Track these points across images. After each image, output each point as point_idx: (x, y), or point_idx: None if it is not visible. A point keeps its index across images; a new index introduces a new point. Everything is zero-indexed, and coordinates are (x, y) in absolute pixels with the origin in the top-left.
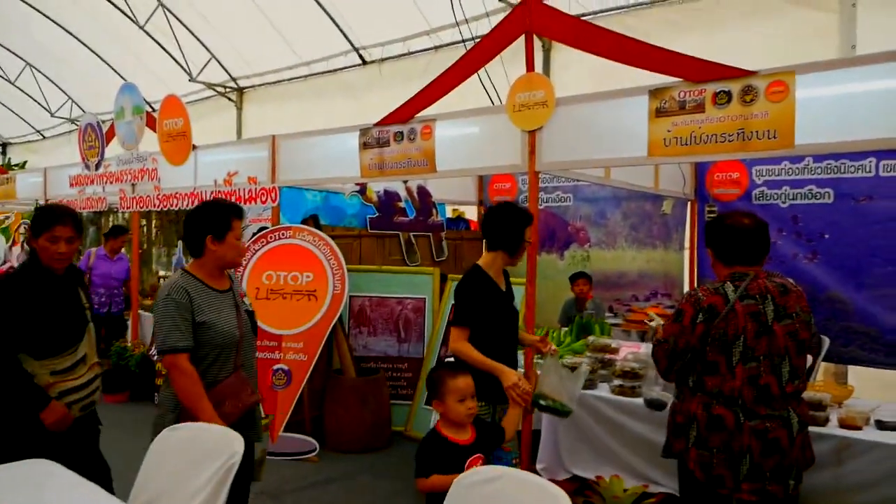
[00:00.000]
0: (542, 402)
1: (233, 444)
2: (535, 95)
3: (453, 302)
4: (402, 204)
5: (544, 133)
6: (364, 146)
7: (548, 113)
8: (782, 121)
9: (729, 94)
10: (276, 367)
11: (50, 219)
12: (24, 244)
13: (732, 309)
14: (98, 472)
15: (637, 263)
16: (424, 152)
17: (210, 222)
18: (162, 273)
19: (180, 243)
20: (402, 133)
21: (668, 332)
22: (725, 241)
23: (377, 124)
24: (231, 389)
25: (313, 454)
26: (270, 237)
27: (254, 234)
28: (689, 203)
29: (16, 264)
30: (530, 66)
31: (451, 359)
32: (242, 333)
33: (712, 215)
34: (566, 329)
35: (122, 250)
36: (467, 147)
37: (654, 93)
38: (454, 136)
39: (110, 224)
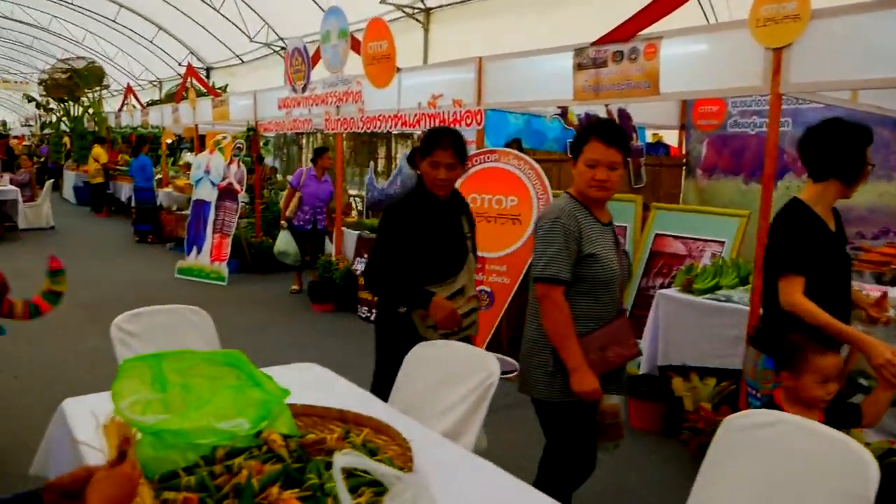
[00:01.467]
0: None
1: (488, 364)
2: (784, 8)
3: (771, 246)
4: None
5: (793, 50)
6: (578, 67)
7: (800, 27)
8: None
9: None
10: (479, 288)
11: (431, 143)
12: (240, 162)
13: None
14: None
15: (867, 197)
16: (647, 73)
17: None
18: (353, 192)
19: (371, 164)
20: (621, 53)
21: None
22: None
23: (594, 43)
24: (619, 334)
25: (513, 374)
26: (476, 160)
27: (409, 156)
28: None
29: (234, 182)
30: None
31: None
32: (622, 273)
33: None
34: None
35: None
36: (696, 67)
37: None
38: (681, 55)
39: (310, 145)
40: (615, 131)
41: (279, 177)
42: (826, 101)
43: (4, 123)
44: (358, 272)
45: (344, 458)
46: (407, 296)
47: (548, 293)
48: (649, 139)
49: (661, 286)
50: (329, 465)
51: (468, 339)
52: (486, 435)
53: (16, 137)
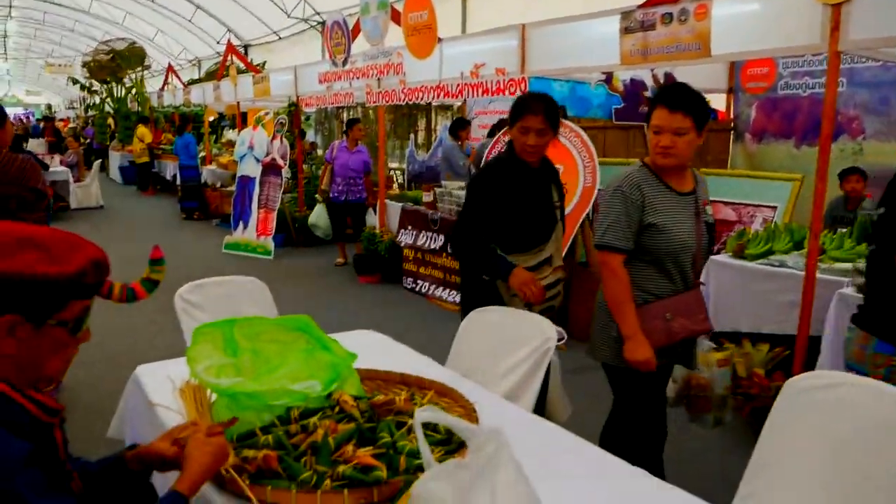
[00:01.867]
0: None
1: (544, 329)
2: None
3: (887, 215)
4: (648, 93)
5: (852, 6)
6: (625, 31)
7: None
8: None
9: None
10: None
11: (521, 108)
12: (283, 137)
13: None
14: None
15: None
16: (697, 35)
17: None
18: (394, 165)
19: (412, 136)
20: (670, 14)
21: None
22: None
23: (642, 6)
24: (687, 306)
25: (562, 342)
26: None
27: (493, 127)
28: None
29: (277, 157)
30: None
31: None
32: (700, 246)
33: None
34: (841, 232)
35: (359, 144)
36: (748, 27)
37: None
38: (733, 15)
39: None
40: (682, 96)
41: (319, 152)
42: (887, 58)
43: (50, 107)
44: (402, 244)
45: (425, 414)
46: (489, 265)
47: (606, 260)
48: None
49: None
50: (400, 425)
51: (551, 310)
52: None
53: (61, 120)
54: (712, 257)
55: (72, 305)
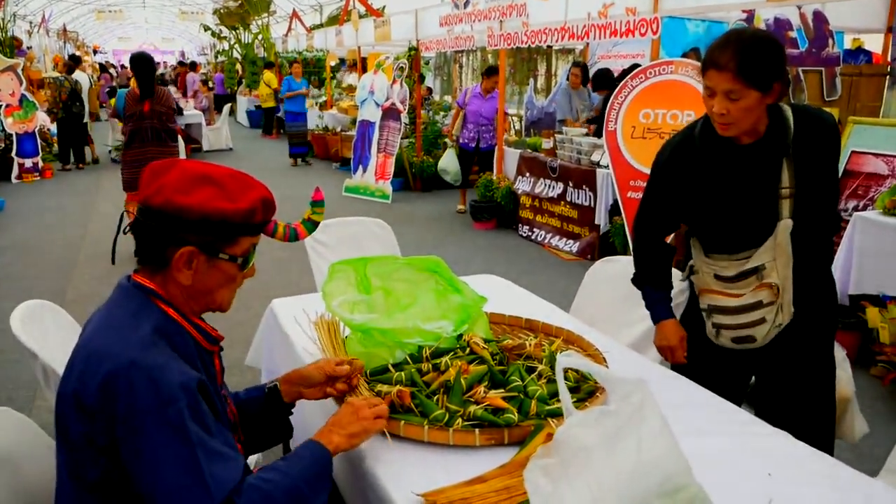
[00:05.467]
0: None
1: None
2: None
3: None
4: (793, 34)
5: None
6: None
7: None
8: None
9: None
10: None
11: (704, 62)
12: (402, 82)
13: None
14: None
15: None
16: None
17: None
18: (511, 112)
19: (531, 82)
20: None
21: None
22: None
23: None
24: None
25: None
26: (650, 73)
27: (624, 72)
28: None
29: (397, 102)
30: None
31: None
32: None
33: None
34: None
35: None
36: None
37: None
38: None
39: (470, 64)
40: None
41: (435, 97)
42: None
43: (183, 53)
44: (519, 191)
45: (567, 359)
46: (644, 293)
47: None
48: (848, 45)
49: (856, 209)
50: (529, 370)
51: (749, 340)
52: None
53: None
54: (859, 213)
55: (242, 241)
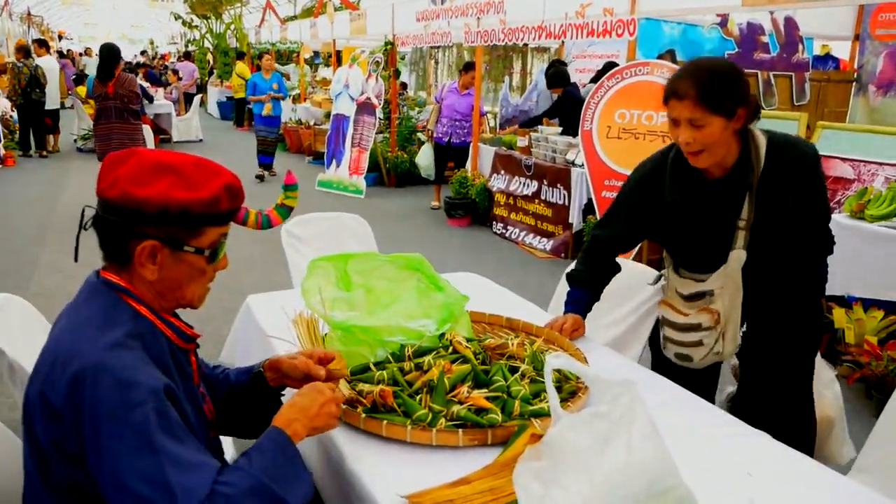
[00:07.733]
0: None
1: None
2: None
3: None
4: (765, 38)
5: None
6: None
7: None
8: None
9: None
10: None
11: (666, 91)
12: (378, 77)
13: None
14: None
15: None
16: None
17: None
18: (486, 108)
19: (507, 79)
20: None
21: None
22: None
23: None
24: None
25: None
26: (626, 73)
27: (598, 72)
28: None
29: (372, 97)
30: None
31: None
32: None
33: None
34: None
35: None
36: None
37: None
38: None
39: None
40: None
41: (410, 93)
42: None
43: (152, 42)
44: (494, 188)
45: (557, 360)
46: (576, 283)
47: None
48: (817, 51)
49: None
50: (512, 370)
51: (687, 359)
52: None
53: (162, 56)
54: None
55: (208, 231)
